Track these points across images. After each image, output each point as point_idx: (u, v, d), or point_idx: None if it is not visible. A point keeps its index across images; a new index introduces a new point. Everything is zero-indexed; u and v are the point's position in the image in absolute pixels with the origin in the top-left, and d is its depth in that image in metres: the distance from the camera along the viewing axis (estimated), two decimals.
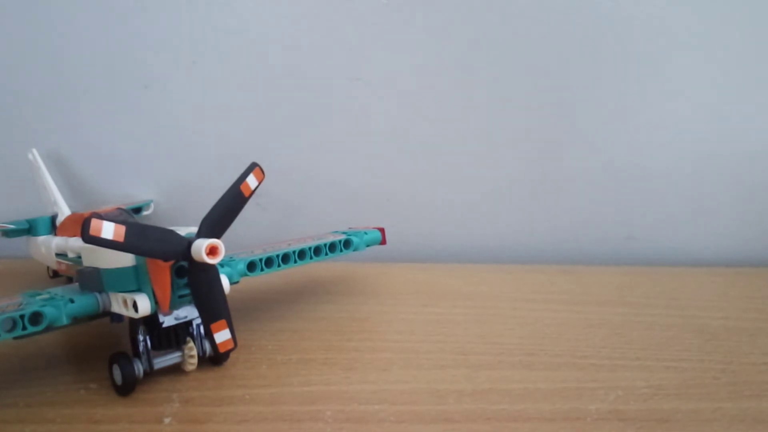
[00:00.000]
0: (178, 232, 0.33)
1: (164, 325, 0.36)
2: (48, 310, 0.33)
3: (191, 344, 0.38)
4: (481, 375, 0.38)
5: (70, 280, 0.48)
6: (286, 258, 0.43)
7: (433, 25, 0.64)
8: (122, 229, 0.30)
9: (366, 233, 0.51)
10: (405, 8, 0.64)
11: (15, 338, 0.32)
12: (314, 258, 0.45)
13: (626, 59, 0.65)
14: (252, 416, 0.33)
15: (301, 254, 0.44)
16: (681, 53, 0.65)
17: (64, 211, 0.55)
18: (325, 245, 0.46)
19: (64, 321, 0.34)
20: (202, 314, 0.34)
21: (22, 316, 0.32)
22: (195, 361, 0.38)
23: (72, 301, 0.35)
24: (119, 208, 0.52)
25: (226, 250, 0.33)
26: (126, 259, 0.34)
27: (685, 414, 0.34)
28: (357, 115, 0.67)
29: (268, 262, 0.43)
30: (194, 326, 0.38)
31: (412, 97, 0.66)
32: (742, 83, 0.66)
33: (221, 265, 0.39)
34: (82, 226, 0.29)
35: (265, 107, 0.66)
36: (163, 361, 0.37)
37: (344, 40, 0.65)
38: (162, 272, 0.34)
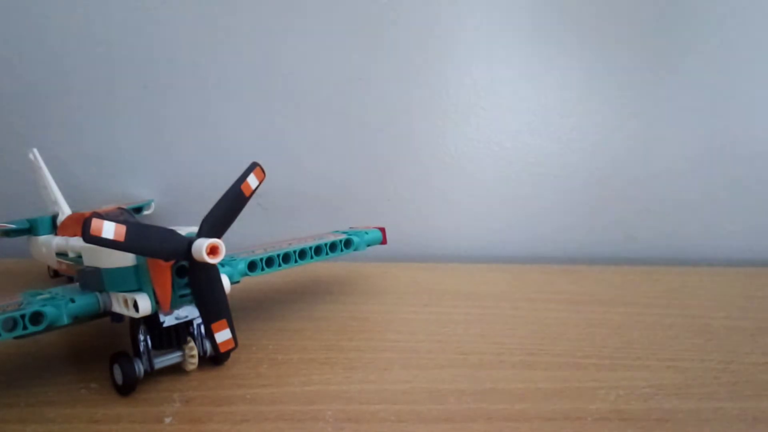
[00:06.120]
0: (179, 231, 0.33)
1: (165, 325, 0.36)
2: (49, 310, 0.33)
3: (192, 344, 0.38)
4: (481, 375, 0.38)
5: (70, 279, 0.48)
6: (286, 257, 0.43)
7: (433, 24, 0.64)
8: (123, 228, 0.30)
9: (367, 233, 0.51)
10: (402, 8, 0.64)
11: (16, 338, 0.32)
12: (315, 257, 0.45)
13: (625, 62, 0.65)
14: (253, 416, 0.33)
15: (302, 254, 0.44)
16: (681, 54, 0.65)
17: (64, 211, 0.55)
18: (325, 245, 0.46)
19: (65, 321, 0.34)
20: (202, 314, 0.34)
21: (23, 316, 0.32)
22: (196, 360, 0.38)
23: (73, 300, 0.35)
24: (120, 208, 0.52)
25: (226, 250, 0.33)
26: (126, 259, 0.34)
27: (685, 413, 0.34)
28: (357, 115, 0.67)
29: (269, 261, 0.43)
30: (195, 326, 0.38)
31: (413, 97, 0.66)
32: (743, 83, 0.66)
33: (222, 264, 0.39)
34: (82, 226, 0.29)
35: (266, 107, 0.67)
36: (163, 360, 0.37)
37: (344, 40, 0.65)
38: (163, 272, 0.34)
